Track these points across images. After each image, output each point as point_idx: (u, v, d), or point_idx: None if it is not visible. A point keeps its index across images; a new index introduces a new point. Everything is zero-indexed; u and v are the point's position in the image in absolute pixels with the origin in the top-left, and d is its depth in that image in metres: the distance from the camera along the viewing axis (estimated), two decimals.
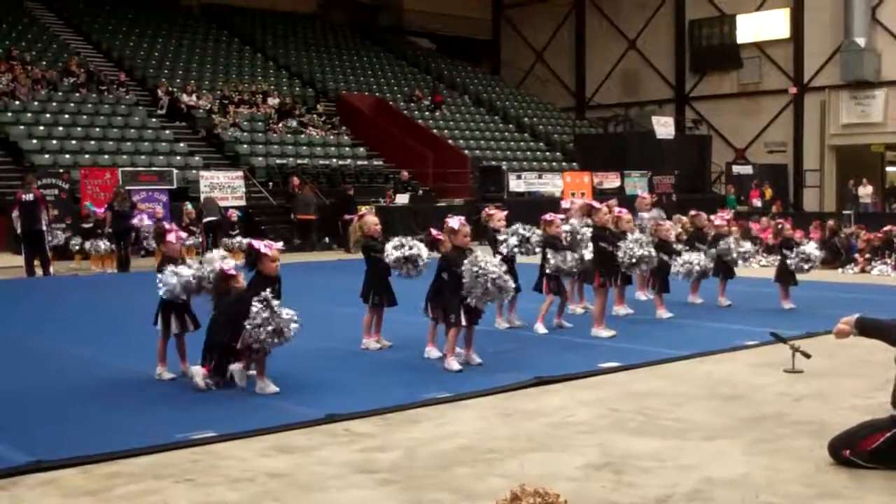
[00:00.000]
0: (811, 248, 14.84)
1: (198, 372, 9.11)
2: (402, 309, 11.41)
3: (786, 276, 14.85)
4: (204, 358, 9.25)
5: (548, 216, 12.89)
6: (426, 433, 7.55)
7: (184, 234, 10.00)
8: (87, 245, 22.82)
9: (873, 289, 18.25)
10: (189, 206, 25.62)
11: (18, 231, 21.71)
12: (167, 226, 10.50)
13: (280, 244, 9.45)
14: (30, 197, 21.50)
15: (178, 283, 9.38)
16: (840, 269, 21.93)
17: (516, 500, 4.17)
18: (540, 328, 12.50)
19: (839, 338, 6.74)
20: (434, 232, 10.85)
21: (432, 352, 10.63)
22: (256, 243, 9.13)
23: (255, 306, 8.52)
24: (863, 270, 21.67)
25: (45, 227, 21.61)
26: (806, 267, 14.72)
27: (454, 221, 10.28)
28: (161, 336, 9.81)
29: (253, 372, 9.06)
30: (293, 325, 8.59)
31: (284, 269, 9.36)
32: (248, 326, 8.51)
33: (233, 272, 9.37)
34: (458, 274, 9.79)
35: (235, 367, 9.14)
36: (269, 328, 8.49)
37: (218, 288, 9.38)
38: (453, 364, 9.93)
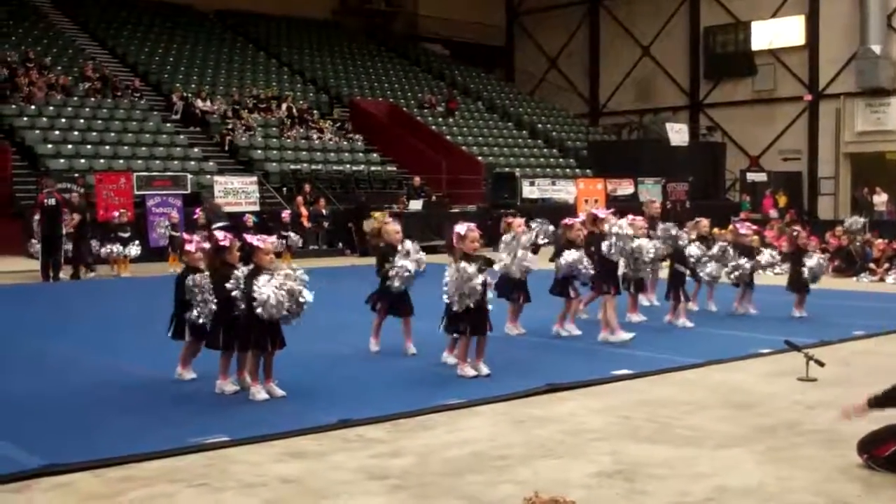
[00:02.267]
0: (815, 261, 14.70)
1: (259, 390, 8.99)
2: (416, 316, 11.41)
3: (799, 285, 14.78)
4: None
5: (567, 220, 12.88)
6: (438, 439, 7.56)
7: (205, 245, 9.95)
8: (113, 249, 22.85)
9: (887, 297, 18.17)
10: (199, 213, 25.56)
11: (39, 235, 21.60)
12: (186, 236, 10.50)
13: (273, 238, 9.44)
14: (52, 201, 21.48)
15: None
16: (855, 278, 21.86)
17: None
18: (562, 331, 12.56)
19: (847, 416, 6.97)
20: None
21: (449, 358, 10.62)
22: (250, 238, 9.12)
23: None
24: (881, 279, 21.55)
25: (64, 232, 21.59)
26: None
27: (461, 227, 10.10)
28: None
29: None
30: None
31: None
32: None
33: (226, 243, 9.26)
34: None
35: (219, 383, 9.22)
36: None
37: (212, 264, 9.37)
38: (467, 371, 9.91)
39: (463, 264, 9.73)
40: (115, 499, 6.16)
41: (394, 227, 11.51)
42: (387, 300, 11.31)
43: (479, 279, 9.72)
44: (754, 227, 16.06)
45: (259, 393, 8.84)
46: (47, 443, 7.37)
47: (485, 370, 10.01)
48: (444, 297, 9.80)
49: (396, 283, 11.04)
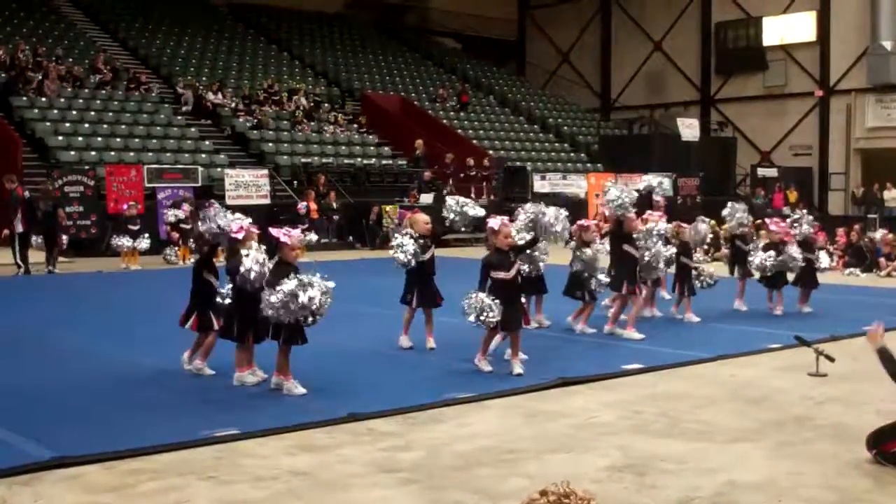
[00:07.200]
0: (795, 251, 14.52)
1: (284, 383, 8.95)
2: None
3: (806, 279, 14.70)
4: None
5: (583, 222, 12.78)
6: (448, 433, 7.56)
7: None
8: (123, 241, 22.80)
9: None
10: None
11: (21, 229, 21.21)
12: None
13: (298, 232, 9.36)
14: (26, 194, 21.53)
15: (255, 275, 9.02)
16: (846, 270, 21.96)
17: (544, 495, 4.16)
18: (576, 327, 12.53)
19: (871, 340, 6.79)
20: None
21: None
22: (276, 232, 8.98)
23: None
24: (888, 275, 21.54)
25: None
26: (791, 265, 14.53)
27: (494, 222, 9.92)
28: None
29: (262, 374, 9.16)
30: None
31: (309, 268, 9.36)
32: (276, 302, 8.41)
33: (240, 235, 9.17)
34: (496, 277, 9.67)
35: (238, 375, 9.22)
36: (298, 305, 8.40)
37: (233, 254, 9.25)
38: (484, 365, 9.87)
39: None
40: (124, 491, 6.17)
41: (422, 218, 11.43)
42: (414, 291, 11.21)
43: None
44: (783, 224, 15.64)
45: (296, 388, 8.79)
46: (56, 435, 7.38)
47: (517, 369, 9.75)
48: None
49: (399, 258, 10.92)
